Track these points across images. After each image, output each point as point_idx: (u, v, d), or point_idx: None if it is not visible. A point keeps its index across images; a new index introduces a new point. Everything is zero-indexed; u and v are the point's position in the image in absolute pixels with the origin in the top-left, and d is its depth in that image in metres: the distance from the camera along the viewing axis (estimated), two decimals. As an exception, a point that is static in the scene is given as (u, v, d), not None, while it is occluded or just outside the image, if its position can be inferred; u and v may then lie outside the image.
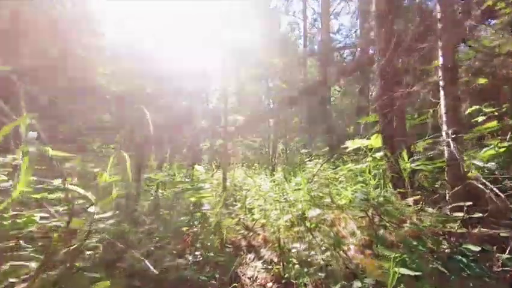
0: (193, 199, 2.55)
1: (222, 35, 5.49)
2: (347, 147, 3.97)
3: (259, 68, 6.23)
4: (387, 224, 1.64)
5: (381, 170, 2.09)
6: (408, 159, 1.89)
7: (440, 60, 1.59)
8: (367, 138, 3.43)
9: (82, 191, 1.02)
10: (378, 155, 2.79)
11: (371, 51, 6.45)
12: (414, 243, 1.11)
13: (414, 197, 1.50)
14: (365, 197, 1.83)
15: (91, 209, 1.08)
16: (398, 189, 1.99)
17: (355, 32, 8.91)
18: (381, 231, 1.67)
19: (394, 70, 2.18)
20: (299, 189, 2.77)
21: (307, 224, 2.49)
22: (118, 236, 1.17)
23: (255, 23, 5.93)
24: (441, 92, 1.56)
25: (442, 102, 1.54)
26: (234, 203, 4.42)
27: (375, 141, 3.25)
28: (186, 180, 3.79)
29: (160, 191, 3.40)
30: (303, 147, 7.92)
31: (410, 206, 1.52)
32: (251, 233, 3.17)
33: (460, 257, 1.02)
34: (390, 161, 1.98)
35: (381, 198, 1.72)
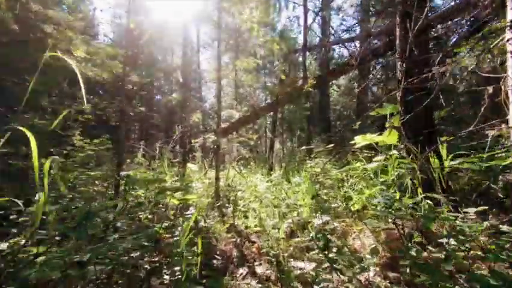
0: (175, 201, 2.11)
1: (218, 21, 5.05)
2: (354, 144, 3.56)
3: (257, 59, 5.80)
4: (425, 242, 1.22)
5: (405, 170, 1.68)
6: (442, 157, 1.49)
7: (510, 15, 1.18)
8: (378, 134, 3.02)
9: None
10: (394, 152, 2.37)
11: (375, 42, 6.06)
12: (491, 280, 0.71)
13: (477, 208, 1.10)
14: (390, 203, 1.41)
15: None
16: (427, 194, 1.57)
17: (357, 23, 8.54)
18: (415, 250, 1.25)
19: (422, 45, 1.76)
20: (304, 191, 2.34)
21: (312, 234, 2.07)
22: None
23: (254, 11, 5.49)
24: (510, 60, 1.15)
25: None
26: (227, 205, 4.00)
27: (390, 137, 2.84)
28: (172, 179, 3.35)
29: (141, 191, 2.95)
30: (302, 145, 7.51)
31: (462, 218, 1.12)
32: (244, 240, 2.75)
33: None
34: (418, 159, 1.58)
35: (410, 204, 1.31)
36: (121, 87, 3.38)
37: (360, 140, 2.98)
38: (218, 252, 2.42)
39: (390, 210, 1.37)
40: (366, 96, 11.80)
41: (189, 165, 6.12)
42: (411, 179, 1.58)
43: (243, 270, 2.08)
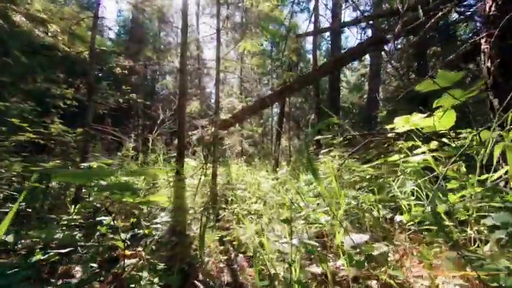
0: (131, 200, 1.40)
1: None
2: (383, 133, 2.82)
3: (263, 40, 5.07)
4: None
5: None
6: None
7: None
8: (426, 116, 2.27)
9: None
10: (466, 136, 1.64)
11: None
12: None
13: None
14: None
15: None
16: None
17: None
18: None
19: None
20: (324, 193, 1.60)
21: (343, 260, 1.35)
22: None
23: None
24: None
25: None
26: (224, 206, 3.32)
27: (445, 118, 2.10)
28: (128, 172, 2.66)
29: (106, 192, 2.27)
30: (310, 141, 6.74)
31: None
32: (240, 258, 2.03)
33: None
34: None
35: None
36: (89, 57, 2.69)
37: (401, 124, 2.20)
38: (201, 277, 1.72)
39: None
40: (378, 88, 10.96)
41: (187, 160, 5.44)
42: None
43: (233, 311, 1.37)
